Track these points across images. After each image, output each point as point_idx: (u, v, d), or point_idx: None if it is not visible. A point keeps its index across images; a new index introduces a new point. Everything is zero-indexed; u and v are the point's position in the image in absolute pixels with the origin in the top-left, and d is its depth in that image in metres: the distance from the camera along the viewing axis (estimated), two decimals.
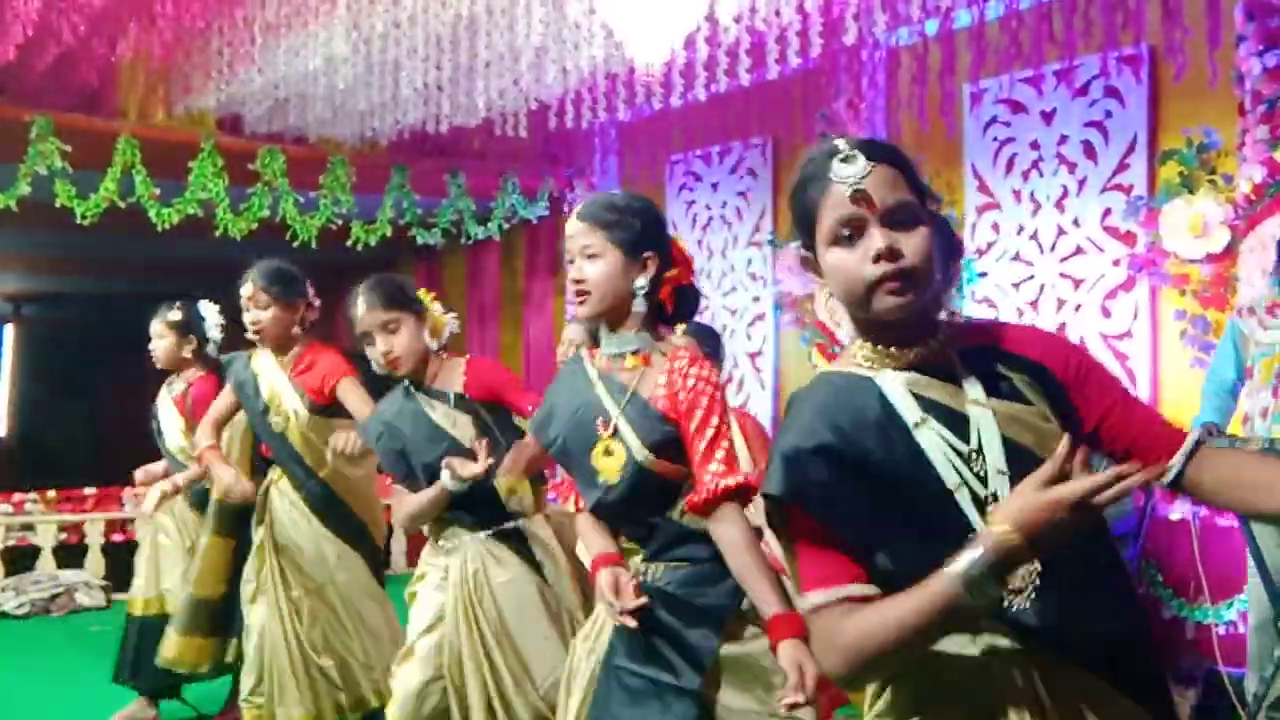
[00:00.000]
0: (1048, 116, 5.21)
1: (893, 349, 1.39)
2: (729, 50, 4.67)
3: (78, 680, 4.95)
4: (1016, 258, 5.33)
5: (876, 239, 1.32)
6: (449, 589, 2.83)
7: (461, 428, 2.86)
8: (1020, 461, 1.32)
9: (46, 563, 6.91)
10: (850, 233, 1.34)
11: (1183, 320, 4.70)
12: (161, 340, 4.24)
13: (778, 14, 4.39)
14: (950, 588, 1.22)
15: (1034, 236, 5.27)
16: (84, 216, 6.05)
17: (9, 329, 13.45)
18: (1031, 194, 5.28)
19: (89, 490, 7.49)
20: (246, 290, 3.45)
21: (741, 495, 2.02)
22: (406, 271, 8.89)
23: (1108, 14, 4.27)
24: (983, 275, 5.44)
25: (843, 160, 1.34)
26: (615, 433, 2.09)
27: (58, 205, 5.99)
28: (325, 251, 6.70)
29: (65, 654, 5.60)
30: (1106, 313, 5.00)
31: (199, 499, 4.10)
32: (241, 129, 6.28)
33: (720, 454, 2.03)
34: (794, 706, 1.87)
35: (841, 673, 1.33)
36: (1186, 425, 3.65)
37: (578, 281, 2.11)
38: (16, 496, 7.29)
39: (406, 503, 2.91)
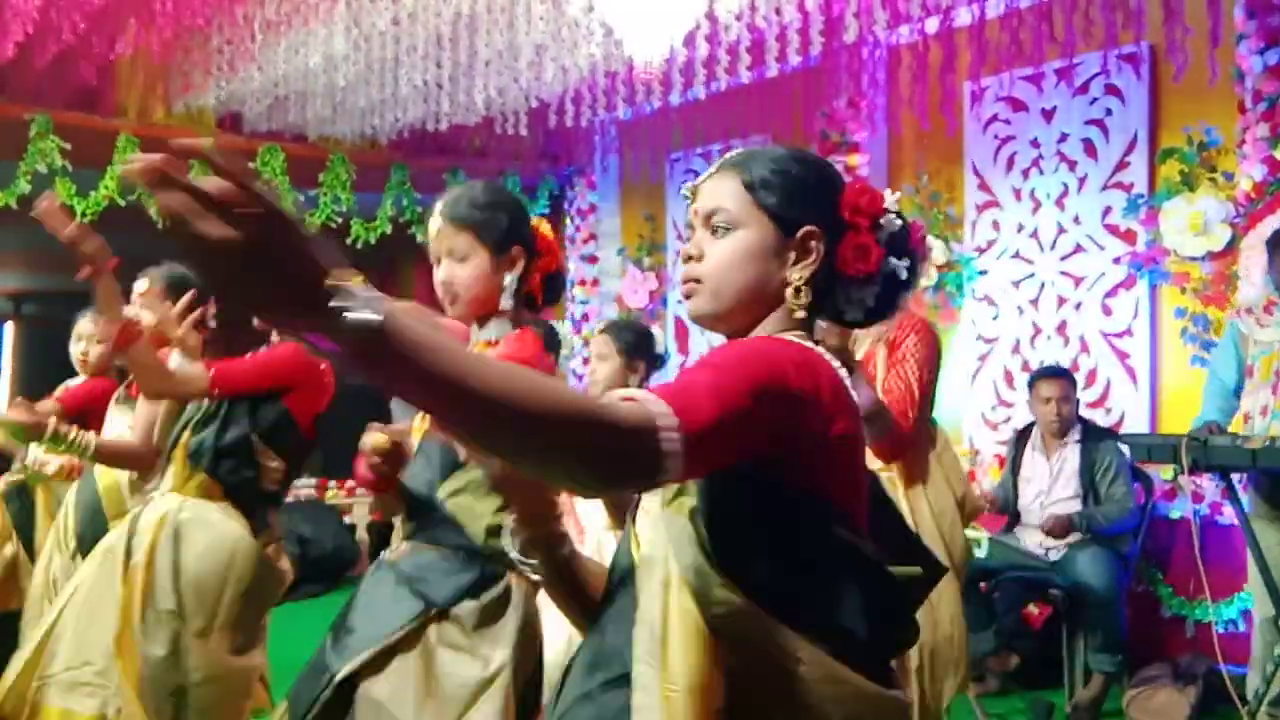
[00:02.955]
0: (1048, 114, 5.21)
1: None
2: (729, 48, 4.67)
3: None
4: (1017, 256, 5.33)
5: (691, 242, 1.35)
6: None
7: None
8: None
9: None
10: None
11: (1183, 318, 4.71)
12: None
13: (778, 12, 4.39)
14: None
15: (1034, 234, 5.27)
16: (84, 214, 6.05)
17: (9, 327, 13.44)
18: (1032, 192, 5.28)
19: None
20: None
21: None
22: (406, 270, 8.87)
23: (1108, 12, 4.27)
24: (983, 273, 5.44)
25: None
26: None
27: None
28: None
29: None
30: (1107, 311, 5.00)
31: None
32: (241, 127, 6.27)
33: None
34: None
35: None
36: (1187, 423, 3.71)
37: (446, 284, 2.02)
38: None
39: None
